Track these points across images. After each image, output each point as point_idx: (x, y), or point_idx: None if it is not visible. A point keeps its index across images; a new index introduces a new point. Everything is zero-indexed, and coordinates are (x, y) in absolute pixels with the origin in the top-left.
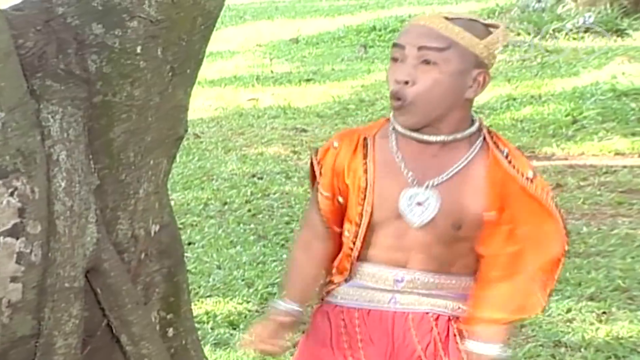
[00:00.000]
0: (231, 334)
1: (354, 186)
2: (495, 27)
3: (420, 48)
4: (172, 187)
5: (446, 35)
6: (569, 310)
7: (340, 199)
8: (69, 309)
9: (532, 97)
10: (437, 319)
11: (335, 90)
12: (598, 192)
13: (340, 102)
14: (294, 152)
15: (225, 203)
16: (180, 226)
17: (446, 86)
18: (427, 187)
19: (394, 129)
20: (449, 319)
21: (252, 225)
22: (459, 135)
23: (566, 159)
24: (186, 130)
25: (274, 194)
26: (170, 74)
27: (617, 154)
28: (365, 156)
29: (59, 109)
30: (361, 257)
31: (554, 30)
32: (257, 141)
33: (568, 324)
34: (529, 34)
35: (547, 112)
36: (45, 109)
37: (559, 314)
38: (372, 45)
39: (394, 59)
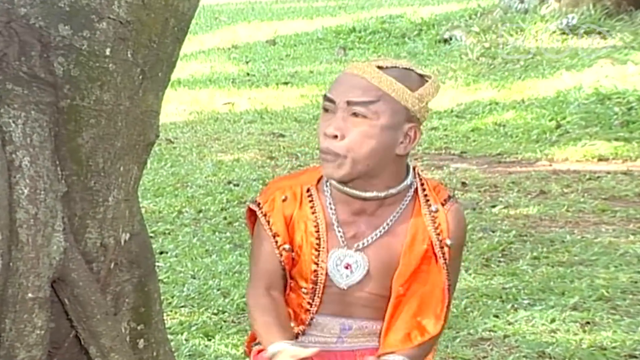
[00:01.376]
0: (206, 345)
1: (306, 242)
2: (429, 77)
3: (349, 102)
4: (143, 194)
5: (376, 87)
6: (552, 320)
7: (293, 253)
8: (33, 319)
9: (515, 101)
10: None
11: (314, 93)
12: (581, 199)
13: (319, 106)
14: (271, 158)
15: (200, 211)
16: (152, 235)
17: (376, 140)
18: (356, 249)
19: (328, 182)
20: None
21: (227, 234)
22: (393, 191)
23: (550, 164)
24: (157, 136)
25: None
26: (140, 77)
27: (600, 159)
28: (313, 210)
29: (21, 114)
30: (310, 310)
31: (536, 31)
32: (233, 147)
33: (552, 334)
34: (511, 35)
35: (530, 116)
36: (6, 113)
37: (542, 324)
38: (351, 47)
39: (325, 110)
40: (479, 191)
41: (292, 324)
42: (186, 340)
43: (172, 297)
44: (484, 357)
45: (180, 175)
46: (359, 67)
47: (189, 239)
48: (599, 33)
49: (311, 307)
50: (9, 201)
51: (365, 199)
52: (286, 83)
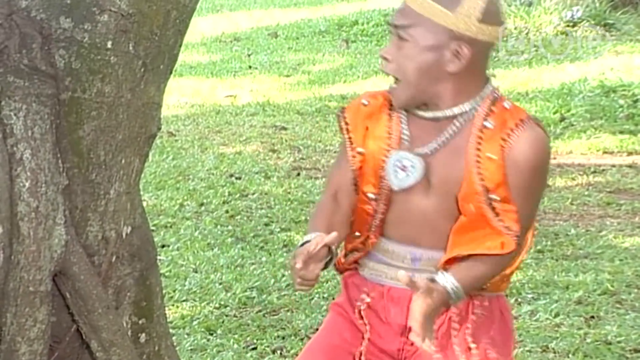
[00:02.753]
0: (208, 340)
1: (377, 147)
2: None
3: (395, 26)
4: (145, 187)
5: (414, 11)
6: (557, 315)
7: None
8: (34, 313)
9: (519, 93)
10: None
11: (316, 86)
12: (586, 193)
13: (322, 99)
14: (273, 151)
15: (202, 204)
16: (153, 228)
17: (419, 61)
18: (416, 153)
19: None
20: (470, 298)
21: (229, 227)
22: (456, 110)
23: (554, 157)
24: (159, 128)
25: (253, 194)
26: (142, 69)
27: (605, 152)
28: (389, 117)
29: (22, 106)
30: (381, 230)
31: (541, 24)
32: (235, 139)
33: (556, 328)
34: (515, 27)
35: (534, 109)
36: (8, 106)
37: (547, 318)
38: (354, 40)
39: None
40: None
41: (358, 234)
42: (188, 334)
43: (174, 291)
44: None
45: (182, 168)
46: None
47: (191, 232)
48: (604, 25)
49: (376, 213)
50: (10, 194)
51: (426, 119)
52: (288, 75)
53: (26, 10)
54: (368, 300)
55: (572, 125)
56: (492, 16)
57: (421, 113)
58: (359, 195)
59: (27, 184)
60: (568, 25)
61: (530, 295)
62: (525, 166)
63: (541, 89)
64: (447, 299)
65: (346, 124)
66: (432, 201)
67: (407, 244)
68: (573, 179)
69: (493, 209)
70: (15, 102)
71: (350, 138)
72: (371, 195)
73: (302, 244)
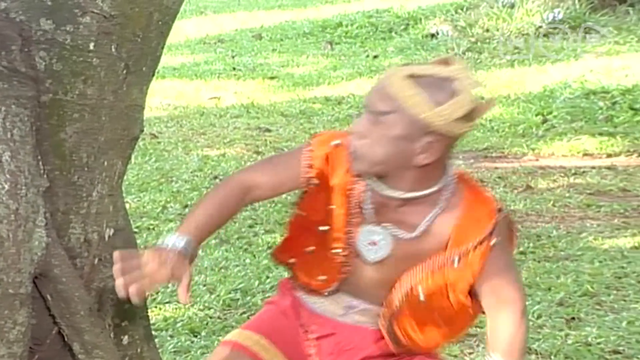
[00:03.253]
0: (192, 342)
1: (344, 207)
2: (465, 92)
3: (370, 109)
4: (127, 189)
5: (394, 98)
6: (539, 316)
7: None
8: (14, 316)
9: (501, 95)
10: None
11: (300, 88)
12: (567, 194)
13: (306, 101)
14: (257, 153)
15: (186, 206)
16: (136, 230)
17: (388, 148)
18: (382, 227)
19: None
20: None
21: None
22: (417, 194)
23: (536, 159)
24: (142, 130)
25: None
26: (124, 71)
27: (585, 154)
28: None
29: (1, 108)
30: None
31: (522, 26)
32: (219, 141)
33: (538, 330)
34: (497, 29)
35: (517, 111)
36: None
37: (529, 320)
38: (338, 42)
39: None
40: None
41: (323, 277)
42: (171, 336)
43: (157, 293)
44: (470, 353)
45: (165, 170)
46: (390, 73)
47: None
48: (585, 28)
49: (342, 268)
50: None
51: (388, 197)
52: (272, 77)
53: (5, 11)
54: (316, 335)
55: (554, 127)
56: (470, 114)
57: (384, 192)
58: (326, 242)
59: (6, 186)
60: (549, 28)
61: None
62: (501, 258)
63: (523, 91)
64: None
65: (310, 151)
66: (380, 272)
67: (350, 296)
68: (555, 180)
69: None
70: None
71: (310, 166)
72: (340, 252)
73: (167, 244)
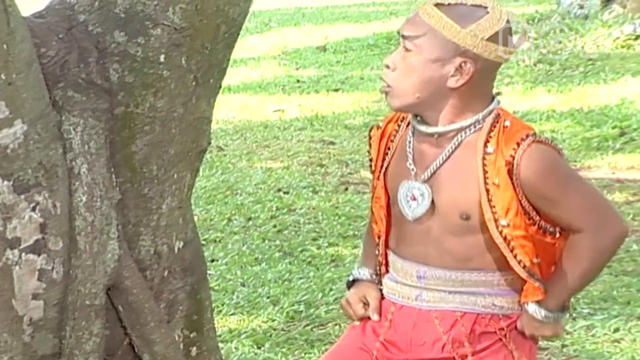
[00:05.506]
0: (256, 353)
1: (377, 163)
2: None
3: (403, 36)
4: (195, 201)
5: (425, 22)
6: (616, 330)
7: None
8: (90, 327)
9: (573, 108)
10: (463, 316)
11: (365, 100)
12: None
13: (370, 113)
14: (321, 166)
15: (250, 218)
16: (203, 242)
17: (421, 73)
18: (422, 180)
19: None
20: (478, 317)
21: (277, 242)
22: (455, 126)
23: (613, 172)
24: (209, 143)
25: (300, 209)
26: (193, 83)
27: None
28: (392, 139)
29: (80, 121)
30: (391, 247)
31: (597, 37)
32: (283, 154)
33: (615, 344)
34: (570, 41)
35: (590, 124)
36: (67, 120)
37: (605, 334)
38: None
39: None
40: None
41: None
42: (236, 348)
43: (222, 305)
44: None
45: (230, 182)
46: (421, 4)
47: (239, 247)
48: None
49: (380, 238)
50: (69, 209)
51: (427, 134)
52: (337, 90)
53: (84, 24)
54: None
55: (633, 140)
56: (501, 37)
57: (422, 129)
58: (373, 192)
59: (84, 199)
60: (629, 39)
61: (586, 311)
62: (540, 184)
63: (597, 104)
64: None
65: (370, 145)
66: (436, 220)
67: (414, 262)
68: (634, 194)
69: (505, 238)
70: (74, 116)
71: (371, 159)
72: (380, 216)
73: (353, 280)
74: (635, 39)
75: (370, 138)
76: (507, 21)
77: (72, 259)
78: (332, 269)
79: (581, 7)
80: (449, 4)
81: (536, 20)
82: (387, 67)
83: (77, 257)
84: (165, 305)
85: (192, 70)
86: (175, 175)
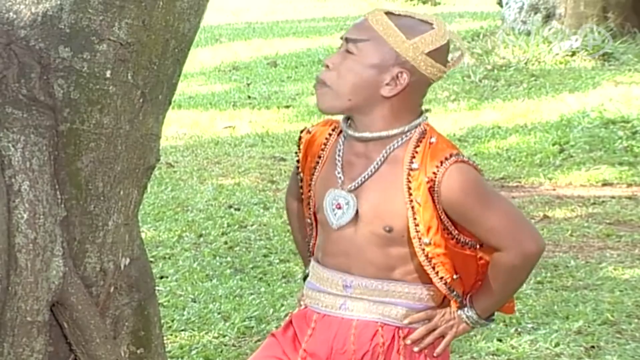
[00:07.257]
0: None
1: (306, 171)
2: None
3: (347, 39)
4: (143, 218)
5: (371, 28)
6: (557, 344)
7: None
8: (31, 343)
9: (518, 125)
10: (383, 327)
11: (316, 116)
12: (586, 224)
13: None
14: (272, 182)
15: (201, 235)
16: (152, 259)
17: (358, 76)
18: (348, 190)
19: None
20: (397, 329)
21: (228, 258)
22: (383, 134)
23: (554, 189)
24: (158, 160)
25: (252, 225)
26: (141, 99)
27: (604, 184)
28: (322, 148)
29: (20, 137)
30: (315, 256)
31: (539, 53)
32: (234, 171)
33: (556, 358)
34: (514, 57)
35: (533, 140)
36: (6, 137)
37: (546, 348)
38: None
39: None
40: None
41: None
42: None
43: (172, 321)
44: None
45: (181, 199)
46: (371, 11)
47: (189, 264)
48: (603, 55)
49: (312, 240)
50: (7, 226)
51: (357, 139)
52: (287, 106)
53: (25, 39)
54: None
55: (572, 156)
56: (440, 55)
57: (349, 132)
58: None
59: (25, 216)
60: (567, 55)
61: (530, 325)
62: (460, 203)
63: (540, 120)
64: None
65: (298, 147)
66: (360, 230)
67: (341, 271)
68: (572, 210)
69: (427, 255)
70: (14, 133)
71: (298, 161)
72: (308, 221)
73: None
74: (572, 55)
75: (300, 139)
76: (448, 41)
77: (12, 276)
78: (284, 285)
79: (524, 22)
80: (399, 15)
81: (481, 36)
82: (327, 67)
83: (17, 274)
84: (111, 322)
85: (139, 86)
86: (122, 192)
